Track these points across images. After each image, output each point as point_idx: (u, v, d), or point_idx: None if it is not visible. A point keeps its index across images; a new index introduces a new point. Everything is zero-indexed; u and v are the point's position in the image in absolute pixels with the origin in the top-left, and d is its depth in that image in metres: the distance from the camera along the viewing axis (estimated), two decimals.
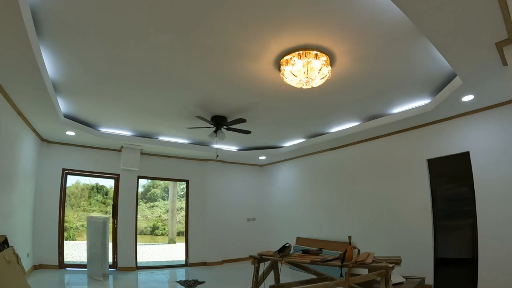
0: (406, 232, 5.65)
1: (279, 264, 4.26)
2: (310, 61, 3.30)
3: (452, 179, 5.47)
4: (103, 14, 2.79)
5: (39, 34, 3.04)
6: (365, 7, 2.71)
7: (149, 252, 11.15)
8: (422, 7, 2.40)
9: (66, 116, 5.53)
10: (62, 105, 5.08)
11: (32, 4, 2.60)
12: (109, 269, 6.68)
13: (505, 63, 3.21)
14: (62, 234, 6.69)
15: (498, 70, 3.49)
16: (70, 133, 6.03)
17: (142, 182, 16.36)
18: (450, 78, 4.12)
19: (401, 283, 4.13)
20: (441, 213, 5.37)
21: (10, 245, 4.01)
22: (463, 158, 5.02)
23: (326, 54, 3.41)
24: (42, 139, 6.52)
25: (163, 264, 8.10)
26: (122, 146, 7.07)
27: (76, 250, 10.13)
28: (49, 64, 3.67)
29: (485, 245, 4.58)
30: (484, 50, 3.09)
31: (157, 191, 16.95)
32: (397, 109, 5.33)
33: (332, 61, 3.57)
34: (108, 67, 3.80)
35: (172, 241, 14.30)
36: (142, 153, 7.53)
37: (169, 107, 5.20)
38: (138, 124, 6.16)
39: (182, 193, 8.83)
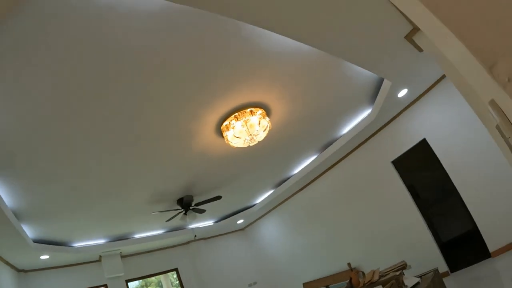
0: (402, 235, 5.62)
1: None
2: (248, 119, 3.36)
3: (422, 168, 5.62)
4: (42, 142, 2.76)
5: None
6: (280, 52, 2.84)
7: None
8: (325, 36, 2.55)
9: (35, 241, 5.23)
10: (29, 231, 4.84)
11: None
12: None
13: (420, 50, 3.40)
14: None
15: (418, 57, 3.68)
16: (44, 256, 5.66)
17: (134, 284, 15.44)
18: (379, 83, 4.33)
19: (417, 283, 4.06)
20: (426, 202, 5.44)
21: None
22: (423, 146, 5.19)
23: (260, 107, 3.49)
24: (19, 270, 6.02)
25: None
26: (100, 256, 6.67)
27: None
28: (7, 194, 3.54)
29: (479, 213, 4.67)
30: (397, 47, 3.28)
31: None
32: (345, 129, 5.47)
33: (268, 112, 3.66)
34: (65, 186, 3.75)
35: None
36: (122, 256, 7.14)
37: (134, 206, 5.06)
38: (110, 229, 5.89)
39: (176, 282, 8.41)
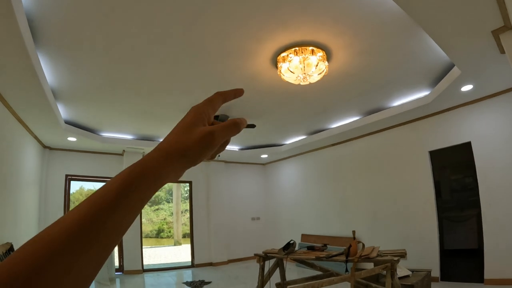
0: (411, 225, 5.64)
1: (284, 262, 4.26)
2: (307, 57, 3.31)
3: (455, 170, 5.45)
4: (100, 22, 2.81)
5: (37, 41, 3.06)
6: (361, 0, 2.71)
7: (155, 255, 11.19)
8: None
9: (67, 122, 5.56)
10: (63, 111, 5.10)
11: (28, 12, 2.62)
12: (116, 273, 6.71)
13: (502, 51, 3.20)
14: None
15: (496, 58, 3.47)
16: (72, 139, 6.06)
17: None
18: (448, 68, 4.11)
19: (408, 276, 4.12)
20: (446, 204, 5.35)
21: None
22: (465, 149, 5.00)
23: (322, 49, 3.41)
24: (45, 146, 6.54)
25: (170, 266, 8.13)
26: (124, 150, 7.09)
27: None
28: (48, 71, 3.69)
29: (490, 235, 4.57)
30: (480, 39, 3.07)
31: (161, 194, 16.97)
32: (396, 102, 5.32)
33: (329, 57, 3.57)
34: (108, 74, 3.83)
35: (177, 243, 14.34)
36: None
37: (170, 111, 5.23)
38: (140, 128, 6.18)
39: (186, 195, 8.84)
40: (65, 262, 0.26)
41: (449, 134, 5.23)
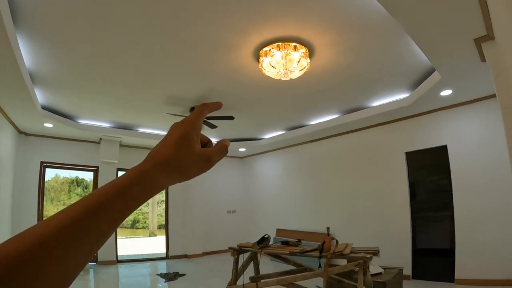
0: (385, 224, 5.75)
1: (259, 256, 4.26)
2: (289, 53, 3.27)
3: (431, 172, 5.58)
4: (85, 10, 2.71)
5: (17, 22, 2.90)
6: (348, 0, 2.69)
7: (130, 245, 11.04)
8: (401, 1, 2.38)
9: (44, 107, 5.35)
10: (40, 96, 4.91)
11: None
12: (90, 263, 6.57)
13: (483, 59, 3.24)
14: None
15: (477, 66, 3.53)
16: (48, 125, 5.85)
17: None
18: (429, 72, 4.17)
19: (380, 273, 4.19)
20: (420, 205, 5.48)
21: None
22: (441, 152, 5.11)
23: (305, 46, 3.38)
24: (20, 131, 6.30)
25: (144, 257, 8.03)
26: (101, 138, 6.91)
27: None
28: (28, 53, 3.51)
29: (462, 236, 4.71)
30: (462, 46, 3.11)
31: None
32: (376, 102, 5.38)
33: (311, 53, 3.55)
34: (89, 62, 3.70)
35: (152, 234, 14.16)
36: (121, 145, 7.39)
37: (150, 101, 5.11)
38: (118, 116, 6.02)
39: None
40: (60, 250, 0.29)
41: (426, 137, 5.34)
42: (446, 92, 4.43)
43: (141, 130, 6.95)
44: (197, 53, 3.56)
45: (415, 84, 4.56)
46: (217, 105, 0.52)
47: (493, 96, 4.43)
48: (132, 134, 6.87)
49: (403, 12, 2.52)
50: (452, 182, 4.91)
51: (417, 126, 5.46)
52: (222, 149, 0.46)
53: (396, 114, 5.44)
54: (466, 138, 4.84)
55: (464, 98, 4.72)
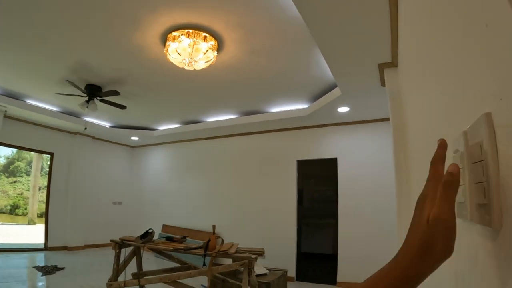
0: (272, 226, 5.95)
1: (142, 251, 4.03)
2: (198, 42, 3.16)
3: (319, 181, 6.00)
4: None
5: None
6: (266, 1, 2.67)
7: (7, 233, 9.62)
8: (318, 15, 2.40)
9: None
10: None
11: None
12: None
13: (383, 84, 3.47)
14: None
15: (377, 89, 3.78)
16: None
17: (5, 152, 13.93)
18: (331, 87, 4.43)
19: (265, 274, 4.30)
20: (306, 212, 5.84)
21: None
22: (331, 164, 5.52)
23: (215, 39, 3.30)
24: None
25: (21, 247, 7.02)
26: None
27: None
28: None
29: (344, 243, 5.14)
30: (367, 69, 3.28)
31: (22, 164, 14.58)
32: (275, 109, 5.53)
33: (220, 48, 3.47)
34: None
35: (32, 222, 12.49)
36: (6, 116, 6.33)
37: (42, 65, 4.38)
38: (4, 80, 5.10)
39: (47, 169, 7.72)
40: None
41: (319, 148, 5.71)
42: (343, 109, 4.76)
43: (30, 101, 6.02)
44: (101, 21, 3.16)
45: (316, 97, 4.81)
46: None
47: (387, 119, 4.93)
48: (19, 105, 5.86)
49: (319, 24, 2.54)
50: (338, 193, 5.33)
51: (312, 137, 5.79)
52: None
53: (293, 122, 5.67)
54: (355, 156, 5.31)
55: (360, 117, 5.14)
